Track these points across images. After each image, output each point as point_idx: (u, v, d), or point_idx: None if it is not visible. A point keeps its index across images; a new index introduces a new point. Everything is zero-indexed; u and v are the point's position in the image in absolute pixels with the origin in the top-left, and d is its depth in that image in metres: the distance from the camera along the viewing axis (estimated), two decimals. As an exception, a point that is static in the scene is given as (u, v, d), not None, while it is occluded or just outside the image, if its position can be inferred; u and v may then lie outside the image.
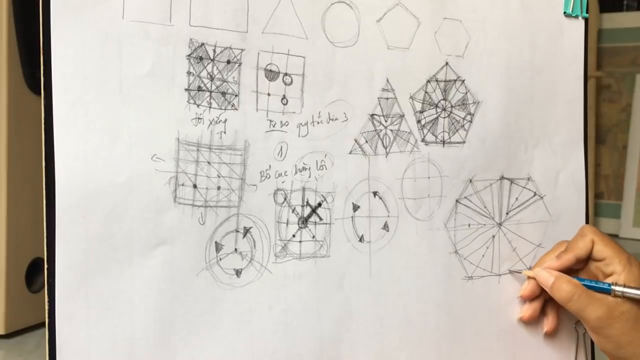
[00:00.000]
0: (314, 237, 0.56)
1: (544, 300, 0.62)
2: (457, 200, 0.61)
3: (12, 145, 0.75)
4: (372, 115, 0.58)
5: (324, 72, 0.56)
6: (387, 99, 0.58)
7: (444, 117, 0.61)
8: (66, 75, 0.47)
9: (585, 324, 0.58)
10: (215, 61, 0.52)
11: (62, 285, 0.47)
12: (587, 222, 0.66)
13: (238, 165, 0.53)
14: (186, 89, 0.51)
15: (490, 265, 0.62)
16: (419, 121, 0.60)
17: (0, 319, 0.75)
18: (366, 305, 0.57)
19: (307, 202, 0.56)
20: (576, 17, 0.65)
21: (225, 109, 0.52)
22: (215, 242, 0.52)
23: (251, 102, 0.53)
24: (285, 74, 0.54)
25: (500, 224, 0.63)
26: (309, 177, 0.56)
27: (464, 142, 0.61)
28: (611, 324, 0.56)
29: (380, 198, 0.58)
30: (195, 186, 0.52)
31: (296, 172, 0.55)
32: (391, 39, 0.58)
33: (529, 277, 0.61)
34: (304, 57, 0.55)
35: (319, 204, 0.56)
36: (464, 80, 0.61)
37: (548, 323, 0.62)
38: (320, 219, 0.56)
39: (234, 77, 0.53)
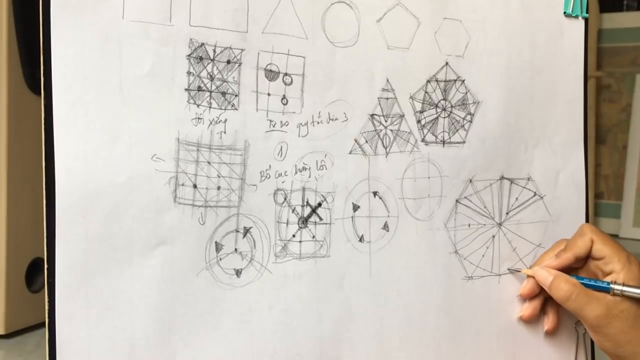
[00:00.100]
0: (314, 237, 0.56)
1: (543, 299, 0.62)
2: (457, 200, 0.61)
3: (12, 145, 0.75)
4: (372, 115, 0.58)
5: (324, 72, 0.56)
6: (387, 99, 0.58)
7: (444, 117, 0.61)
8: (66, 75, 0.47)
9: (584, 323, 0.58)
10: (215, 61, 0.52)
11: (62, 285, 0.47)
12: (587, 222, 0.66)
13: (238, 165, 0.53)
14: (186, 89, 0.51)
15: (490, 265, 0.62)
16: (419, 121, 0.60)
17: (0, 319, 0.75)
18: (366, 305, 0.57)
19: (307, 202, 0.56)
20: (576, 17, 0.65)
21: (225, 109, 0.52)
22: (215, 242, 0.52)
23: (251, 102, 0.53)
24: (285, 74, 0.54)
25: (500, 224, 0.63)
26: (309, 177, 0.56)
27: (464, 142, 0.61)
28: (610, 322, 0.56)
29: (380, 198, 0.58)
30: (195, 186, 0.52)
31: (296, 172, 0.55)
32: (391, 39, 0.58)
33: (528, 276, 0.61)
34: (304, 57, 0.55)
35: (319, 204, 0.56)
36: (464, 80, 0.61)
37: (548, 322, 0.63)
38: (320, 219, 0.56)
39: (234, 77, 0.53)
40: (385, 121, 0.58)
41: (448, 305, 0.61)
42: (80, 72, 0.48)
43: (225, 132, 0.52)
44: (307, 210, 0.56)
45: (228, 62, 0.52)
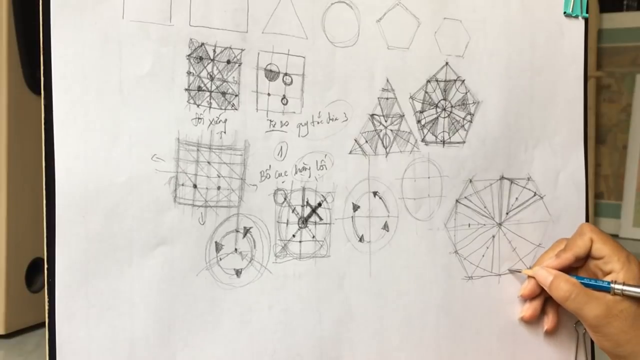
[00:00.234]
0: (314, 237, 0.56)
1: (544, 299, 0.62)
2: (457, 200, 0.61)
3: (12, 145, 0.75)
4: (372, 115, 0.58)
5: (324, 72, 0.56)
6: (387, 99, 0.58)
7: (444, 117, 0.61)
8: (66, 75, 0.47)
9: (584, 323, 0.58)
10: (215, 61, 0.52)
11: (62, 285, 0.47)
12: (587, 222, 0.66)
13: (238, 165, 0.53)
14: (186, 89, 0.51)
15: (490, 265, 0.62)
16: (419, 121, 0.60)
17: (0, 319, 0.75)
18: (366, 305, 0.57)
19: (307, 202, 0.56)
20: (576, 17, 0.65)
21: (225, 109, 0.52)
22: (215, 242, 0.52)
23: (251, 102, 0.53)
24: (285, 74, 0.54)
25: (500, 224, 0.63)
26: (309, 177, 0.56)
27: (464, 142, 0.61)
28: (610, 322, 0.56)
29: (380, 198, 0.58)
30: (195, 186, 0.52)
31: (296, 172, 0.55)
32: (391, 39, 0.58)
33: (528, 277, 0.61)
34: (304, 57, 0.55)
35: (319, 204, 0.56)
36: (464, 80, 0.61)
37: (548, 322, 0.63)
38: (320, 219, 0.56)
39: (234, 77, 0.53)
40: (385, 121, 0.58)
41: (448, 305, 0.61)
42: (80, 72, 0.48)
43: (225, 132, 0.52)
44: (307, 210, 0.56)
45: (228, 62, 0.52)
